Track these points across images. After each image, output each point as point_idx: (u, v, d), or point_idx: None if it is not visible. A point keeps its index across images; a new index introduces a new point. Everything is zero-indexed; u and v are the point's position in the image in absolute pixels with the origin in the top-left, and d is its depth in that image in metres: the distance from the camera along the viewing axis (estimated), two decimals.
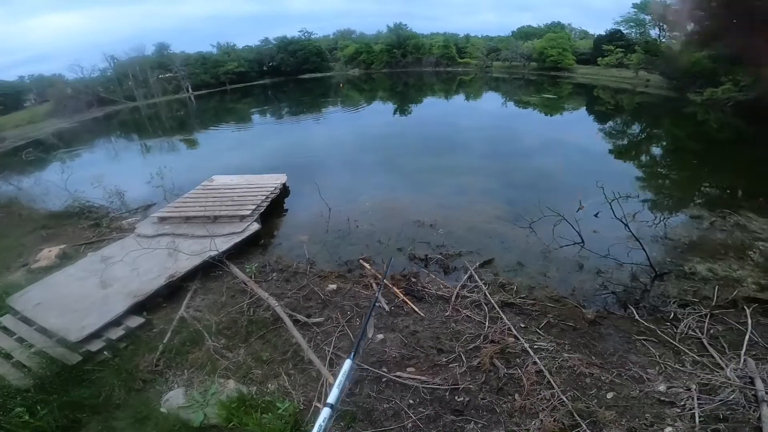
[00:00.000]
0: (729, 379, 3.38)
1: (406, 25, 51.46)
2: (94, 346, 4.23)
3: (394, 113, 23.73)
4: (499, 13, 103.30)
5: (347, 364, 1.49)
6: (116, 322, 4.55)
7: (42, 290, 5.22)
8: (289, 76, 48.86)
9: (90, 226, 7.86)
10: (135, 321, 4.62)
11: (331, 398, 1.34)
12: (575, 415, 3.11)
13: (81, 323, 4.42)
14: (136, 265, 5.50)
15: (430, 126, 18.18)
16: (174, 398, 3.49)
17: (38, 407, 3.30)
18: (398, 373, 3.66)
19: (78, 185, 9.58)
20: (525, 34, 50.48)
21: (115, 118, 31.53)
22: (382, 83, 41.95)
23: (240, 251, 6.28)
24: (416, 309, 4.62)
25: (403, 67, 49.51)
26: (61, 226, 8.02)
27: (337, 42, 58.04)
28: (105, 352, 4.21)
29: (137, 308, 4.80)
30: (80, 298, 4.94)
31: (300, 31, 53.09)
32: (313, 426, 1.20)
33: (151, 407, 3.47)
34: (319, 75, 49.91)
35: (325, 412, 1.27)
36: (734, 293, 4.72)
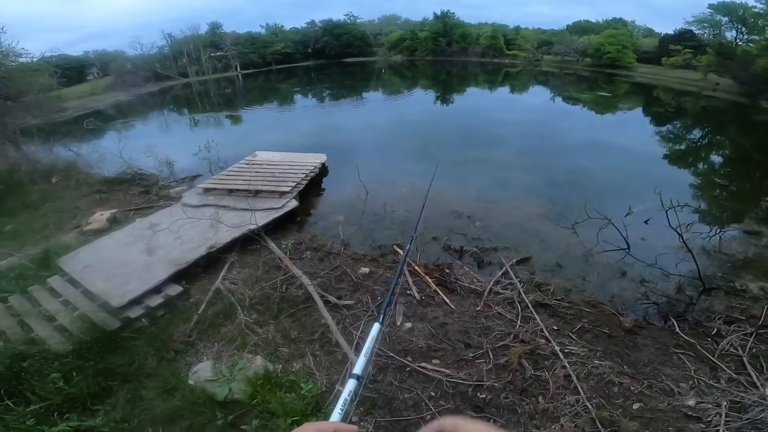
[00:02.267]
0: (763, 398, 3.22)
1: (453, 13, 50.18)
2: (134, 312, 4.29)
3: (436, 102, 23.34)
4: (552, 5, 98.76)
5: (375, 328, 1.31)
6: (156, 290, 4.65)
7: (91, 253, 5.40)
8: (333, 59, 49.21)
9: (140, 192, 8.27)
10: (174, 289, 4.72)
11: (357, 368, 1.16)
12: (597, 422, 3.01)
13: (123, 288, 4.51)
14: (180, 234, 5.69)
15: (471, 117, 17.75)
16: (202, 371, 3.50)
17: (73, 373, 3.32)
18: (423, 364, 3.63)
19: (132, 153, 10.06)
20: (581, 28, 47.96)
21: (169, 93, 32.94)
22: (425, 71, 41.34)
23: (277, 227, 6.41)
24: (447, 300, 4.56)
25: (447, 56, 48.56)
26: (114, 191, 8.46)
27: (381, 27, 57.74)
28: (143, 320, 4.27)
29: (177, 277, 4.91)
30: (125, 262, 5.09)
31: (346, 15, 53.47)
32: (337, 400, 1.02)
33: (179, 378, 3.50)
34: (362, 59, 49.88)
35: (351, 384, 1.14)
36: None
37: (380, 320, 1.40)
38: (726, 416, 3.06)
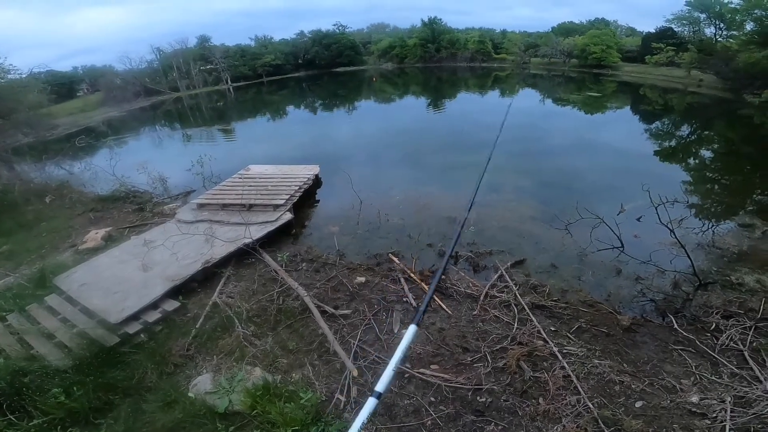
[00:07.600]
0: (767, 393, 3.20)
1: (441, 19, 50.74)
2: (132, 328, 4.35)
3: (427, 108, 23.50)
4: (534, 8, 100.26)
5: (412, 330, 1.32)
6: (153, 305, 4.69)
7: (87, 271, 5.42)
8: (324, 70, 49.42)
9: (134, 210, 8.25)
10: (171, 305, 4.75)
11: (380, 386, 1.20)
12: (600, 422, 3.01)
13: (121, 305, 4.56)
14: (176, 250, 5.69)
15: (463, 122, 17.85)
16: (202, 383, 3.54)
17: (74, 388, 3.35)
18: (422, 370, 3.64)
19: (125, 171, 10.04)
20: (566, 30, 48.76)
21: (160, 108, 32.87)
22: (416, 78, 41.65)
23: (272, 240, 6.42)
24: (444, 306, 4.58)
25: (436, 62, 49.01)
26: (108, 209, 8.44)
27: (370, 36, 58.21)
28: (141, 335, 4.32)
29: (174, 292, 4.95)
30: (122, 280, 5.12)
31: (334, 25, 53.79)
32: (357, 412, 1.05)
33: (179, 391, 3.53)
34: (352, 68, 50.12)
35: (371, 403, 1.15)
36: None
37: (416, 322, 1.35)
38: (731, 411, 3.05)
